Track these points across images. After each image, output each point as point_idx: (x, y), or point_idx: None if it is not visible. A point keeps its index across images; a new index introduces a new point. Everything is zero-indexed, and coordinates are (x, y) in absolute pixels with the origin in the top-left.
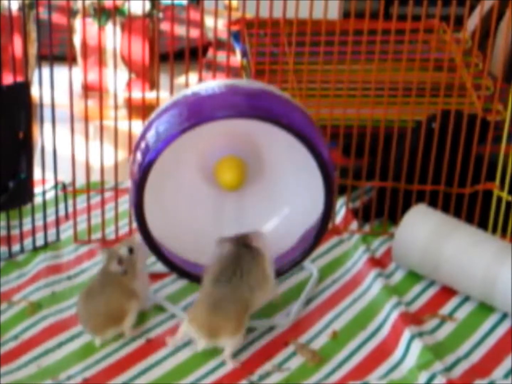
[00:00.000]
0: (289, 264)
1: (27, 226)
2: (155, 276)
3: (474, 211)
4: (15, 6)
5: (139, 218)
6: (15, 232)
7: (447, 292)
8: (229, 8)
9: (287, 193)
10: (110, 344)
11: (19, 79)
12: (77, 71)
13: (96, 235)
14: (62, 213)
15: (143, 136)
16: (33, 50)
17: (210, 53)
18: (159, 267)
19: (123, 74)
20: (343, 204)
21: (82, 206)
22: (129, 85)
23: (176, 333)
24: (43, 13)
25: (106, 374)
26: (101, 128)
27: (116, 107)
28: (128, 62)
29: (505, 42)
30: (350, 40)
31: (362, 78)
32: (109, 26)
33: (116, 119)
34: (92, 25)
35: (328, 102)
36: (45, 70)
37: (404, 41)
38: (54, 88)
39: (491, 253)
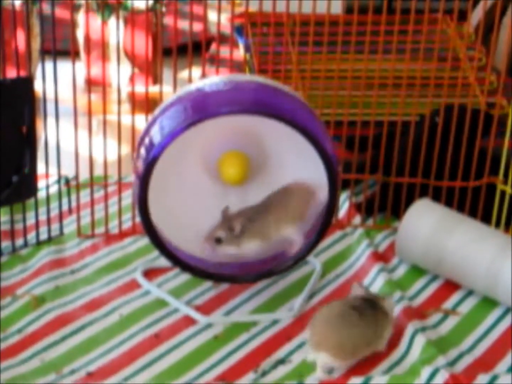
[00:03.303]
0: (293, 258)
1: (30, 221)
2: (159, 271)
3: (478, 205)
4: (18, 0)
5: (143, 213)
6: (18, 226)
7: (450, 286)
8: (232, 3)
9: None
10: (114, 337)
11: (23, 73)
12: (81, 66)
13: (100, 229)
14: (65, 207)
15: (147, 131)
16: (36, 45)
17: (213, 47)
18: (163, 261)
19: (126, 68)
20: (346, 198)
21: (85, 200)
22: (132, 79)
23: None
24: (46, 8)
25: (109, 367)
26: (104, 122)
27: (119, 101)
28: (131, 57)
29: (508, 37)
30: (354, 33)
31: (366, 73)
32: (112, 21)
33: (119, 113)
34: (95, 19)
35: (331, 96)
36: (48, 65)
37: (407, 34)
38: (57, 82)
39: (494, 247)
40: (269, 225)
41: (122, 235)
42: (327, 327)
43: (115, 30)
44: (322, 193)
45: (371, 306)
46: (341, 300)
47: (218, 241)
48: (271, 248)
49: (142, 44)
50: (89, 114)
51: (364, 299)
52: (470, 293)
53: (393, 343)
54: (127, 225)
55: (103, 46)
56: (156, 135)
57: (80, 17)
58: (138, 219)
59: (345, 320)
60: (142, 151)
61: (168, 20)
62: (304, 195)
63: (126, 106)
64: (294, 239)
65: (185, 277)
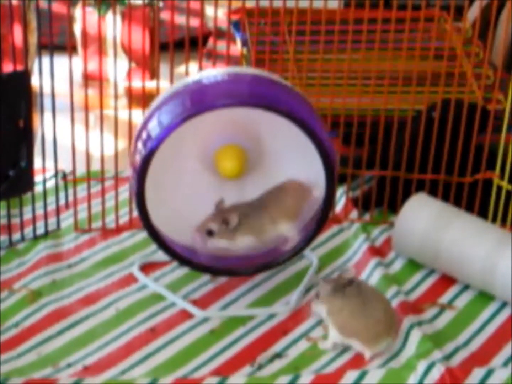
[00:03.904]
0: (290, 253)
1: (27, 215)
2: (155, 265)
3: (474, 200)
4: None
5: (140, 207)
6: (15, 220)
7: (447, 280)
8: None
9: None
10: (110, 331)
11: (19, 68)
12: (77, 60)
13: (97, 224)
14: (62, 202)
15: (144, 125)
16: (33, 39)
17: (210, 42)
18: (160, 255)
19: (123, 63)
20: (343, 193)
21: (82, 195)
22: (129, 74)
23: None
24: (43, 2)
25: (106, 361)
26: (101, 117)
27: (116, 96)
28: (128, 51)
29: (505, 32)
30: (350, 29)
31: (363, 67)
32: (109, 15)
33: (116, 108)
34: (92, 14)
35: (328, 91)
36: (45, 59)
37: (404, 30)
38: (54, 77)
39: (491, 242)
40: (264, 222)
41: (119, 229)
42: (354, 317)
43: (112, 25)
44: (319, 188)
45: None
46: (341, 286)
47: (210, 233)
48: (265, 243)
49: (139, 39)
50: (86, 108)
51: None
52: (466, 287)
53: None
54: (124, 219)
55: (100, 41)
56: (153, 128)
57: (77, 11)
58: (135, 214)
59: (367, 307)
60: (139, 144)
61: (165, 15)
62: (299, 192)
63: (123, 101)
64: (289, 236)
65: (182, 271)
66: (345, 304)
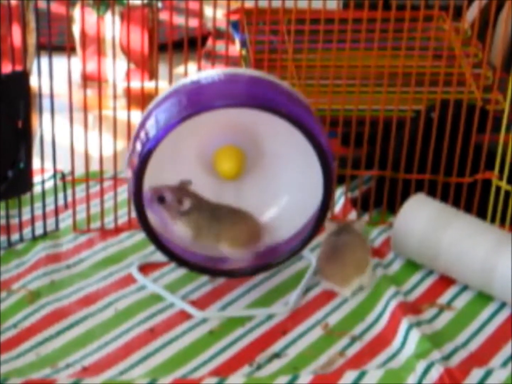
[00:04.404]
0: (288, 253)
1: (26, 215)
2: (154, 266)
3: (473, 200)
4: None
5: (139, 207)
6: (14, 221)
7: (446, 281)
8: None
9: (286, 183)
10: (109, 332)
11: (18, 68)
12: (76, 61)
13: (95, 224)
14: (61, 202)
15: (142, 125)
16: (32, 40)
17: (209, 43)
18: (159, 256)
19: (122, 64)
20: (342, 193)
21: (81, 195)
22: (128, 75)
23: None
24: (42, 3)
25: (105, 362)
26: (100, 117)
27: (115, 97)
28: (127, 52)
29: (504, 32)
30: (349, 30)
31: (361, 67)
32: (108, 16)
33: (115, 109)
34: (91, 14)
35: (327, 91)
36: (44, 60)
37: (403, 30)
38: (53, 77)
39: (489, 242)
40: (208, 231)
41: (117, 230)
42: (328, 261)
43: (111, 26)
44: (317, 189)
45: (347, 232)
46: (329, 234)
47: (161, 200)
48: (202, 248)
49: (138, 39)
50: (85, 109)
51: (340, 228)
52: (465, 288)
53: (388, 337)
54: (122, 220)
55: (99, 41)
56: (151, 128)
57: (76, 12)
58: (133, 214)
59: (336, 253)
60: (137, 145)
61: (164, 16)
62: (254, 227)
63: (122, 102)
64: (230, 257)
65: (180, 272)
66: (321, 252)
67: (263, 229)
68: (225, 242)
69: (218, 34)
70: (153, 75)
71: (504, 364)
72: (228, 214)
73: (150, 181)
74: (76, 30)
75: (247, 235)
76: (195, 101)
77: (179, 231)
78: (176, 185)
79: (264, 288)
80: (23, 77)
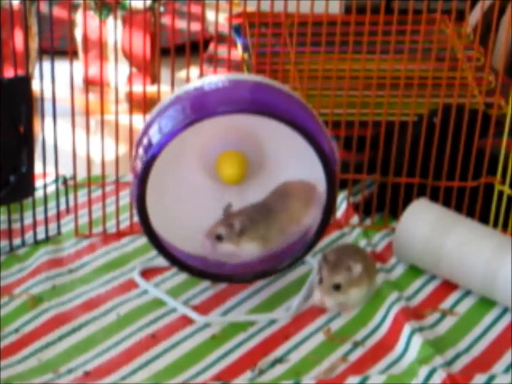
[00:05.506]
0: (291, 258)
1: (28, 220)
2: (156, 270)
3: (475, 205)
4: (16, 0)
5: (141, 212)
6: (16, 226)
7: (448, 286)
8: (230, 2)
9: None
10: (111, 337)
11: (20, 73)
12: (78, 65)
13: (97, 229)
14: (63, 207)
15: (145, 131)
16: (34, 44)
17: (211, 47)
18: (161, 260)
19: (124, 68)
20: (344, 198)
21: (83, 200)
22: (130, 79)
23: None
24: (44, 7)
25: (107, 367)
26: (102, 122)
27: (117, 101)
28: (129, 56)
29: (506, 37)
30: (351, 32)
31: (364, 73)
32: (110, 20)
33: (117, 113)
34: (93, 19)
35: (329, 95)
36: (46, 64)
37: (405, 34)
38: (55, 82)
39: (492, 247)
40: (272, 232)
41: (119, 234)
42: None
43: (113, 30)
44: (320, 192)
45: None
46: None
47: (219, 238)
48: (271, 250)
49: (140, 43)
50: (87, 113)
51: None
52: (467, 293)
53: (390, 343)
54: (124, 224)
55: (101, 45)
56: (154, 134)
57: (78, 16)
58: (136, 219)
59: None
60: (140, 150)
61: (166, 20)
62: (304, 193)
63: (124, 106)
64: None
65: (182, 277)
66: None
67: (311, 187)
68: (290, 228)
69: (220, 38)
70: (155, 79)
71: (507, 369)
72: (276, 203)
73: (153, 185)
74: (78, 34)
75: (303, 203)
76: (198, 108)
77: (248, 249)
78: (221, 217)
79: (266, 293)
80: (25, 81)
